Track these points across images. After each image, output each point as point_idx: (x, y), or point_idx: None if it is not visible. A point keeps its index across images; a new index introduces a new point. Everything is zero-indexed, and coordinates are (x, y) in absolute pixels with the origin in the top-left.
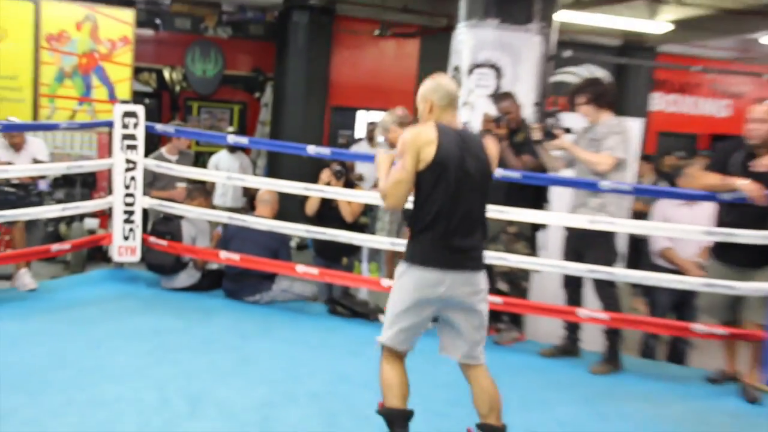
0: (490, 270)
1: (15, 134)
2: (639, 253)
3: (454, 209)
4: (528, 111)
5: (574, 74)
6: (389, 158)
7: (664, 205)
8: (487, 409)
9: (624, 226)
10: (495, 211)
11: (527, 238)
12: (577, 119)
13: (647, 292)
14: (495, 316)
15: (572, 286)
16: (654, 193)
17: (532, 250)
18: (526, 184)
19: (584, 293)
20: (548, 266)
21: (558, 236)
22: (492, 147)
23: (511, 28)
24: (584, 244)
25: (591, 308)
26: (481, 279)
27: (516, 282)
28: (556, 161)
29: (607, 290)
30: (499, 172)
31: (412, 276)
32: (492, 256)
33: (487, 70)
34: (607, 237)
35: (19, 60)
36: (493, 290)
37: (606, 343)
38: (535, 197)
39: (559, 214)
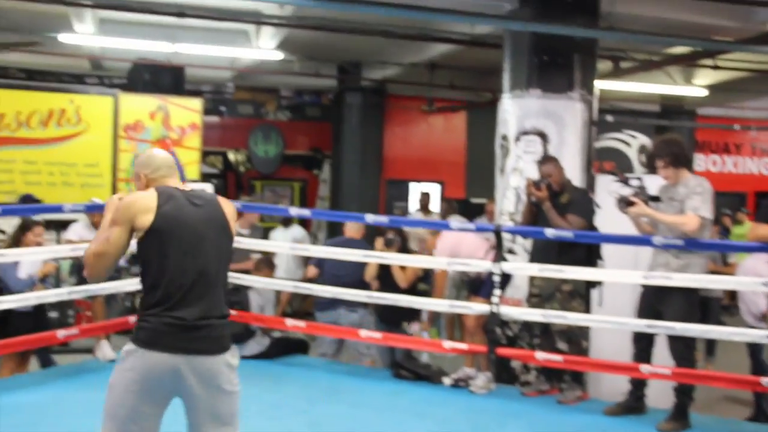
0: (548, 329)
1: (96, 214)
2: (706, 310)
3: (185, 276)
4: (575, 174)
5: (618, 139)
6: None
7: (754, 262)
8: None
9: (712, 282)
10: (550, 270)
11: (582, 295)
12: (655, 181)
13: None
14: (557, 375)
15: (643, 342)
16: (721, 248)
17: (587, 307)
18: (576, 242)
19: (654, 350)
20: (608, 323)
21: (614, 293)
22: (228, 206)
23: (553, 97)
24: (662, 301)
25: (659, 364)
26: (223, 366)
27: (575, 340)
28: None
29: (681, 348)
30: (550, 232)
31: (135, 362)
32: (549, 315)
33: (534, 137)
34: (688, 295)
35: (99, 149)
36: (553, 349)
37: (675, 400)
38: (588, 255)
39: (616, 271)
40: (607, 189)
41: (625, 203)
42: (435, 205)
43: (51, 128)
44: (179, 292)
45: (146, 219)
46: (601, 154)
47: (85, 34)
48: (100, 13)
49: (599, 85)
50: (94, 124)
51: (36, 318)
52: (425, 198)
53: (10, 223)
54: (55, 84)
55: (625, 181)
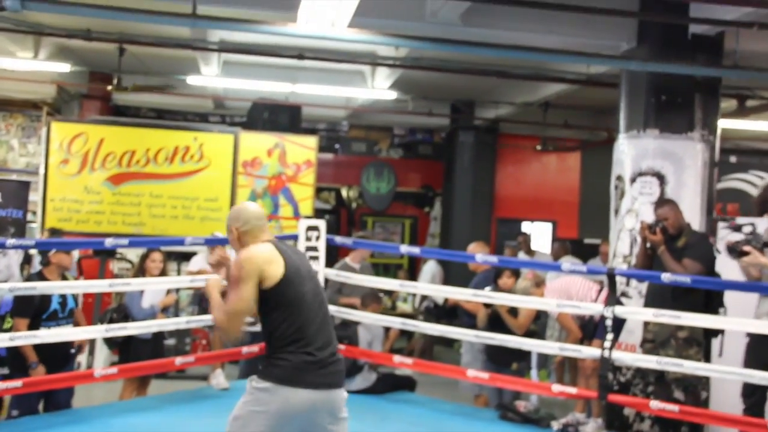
0: (663, 376)
1: (218, 247)
2: None
3: (315, 316)
4: (695, 217)
5: (743, 180)
6: (216, 285)
7: None
8: None
9: None
10: (665, 316)
11: (699, 343)
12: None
13: None
14: (673, 425)
15: (755, 396)
16: None
17: (705, 356)
18: (693, 288)
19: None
20: (728, 374)
21: (736, 342)
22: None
23: (672, 137)
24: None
25: None
26: (343, 398)
27: (692, 390)
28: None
29: None
30: (666, 277)
31: (268, 398)
32: (664, 362)
33: (650, 179)
34: None
35: (219, 184)
36: (669, 398)
37: None
38: (707, 302)
39: (736, 319)
40: (719, 235)
41: (736, 252)
42: (540, 245)
43: (176, 164)
44: (311, 331)
45: (276, 269)
46: (725, 196)
47: (210, 76)
48: (225, 57)
49: (722, 124)
50: (215, 161)
51: (155, 345)
52: (524, 238)
53: (138, 254)
54: (181, 123)
55: (736, 228)
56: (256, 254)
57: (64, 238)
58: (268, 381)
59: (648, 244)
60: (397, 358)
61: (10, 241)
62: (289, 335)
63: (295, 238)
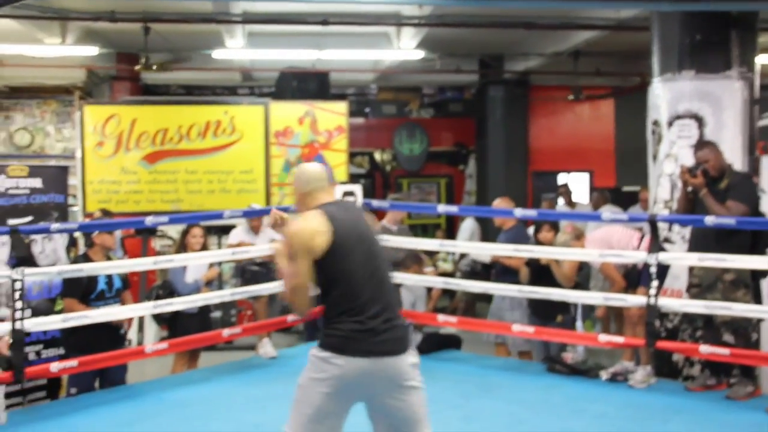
0: (712, 320)
1: (255, 218)
2: None
3: (367, 284)
4: (736, 158)
5: None
6: (282, 252)
7: None
8: None
9: None
10: (710, 260)
11: (747, 285)
12: None
13: None
14: (725, 369)
15: None
16: None
17: (755, 297)
18: (738, 229)
19: None
20: None
21: None
22: (367, 216)
23: (708, 77)
24: None
25: None
26: (408, 366)
27: (742, 332)
28: None
29: None
30: (710, 220)
31: (326, 366)
32: (712, 305)
33: (688, 121)
34: None
35: (253, 156)
36: (718, 341)
37: None
38: (753, 242)
39: None
40: (762, 174)
41: None
42: (581, 195)
43: (209, 139)
44: (363, 299)
45: (321, 241)
46: (763, 133)
47: (236, 49)
48: (250, 28)
49: (761, 60)
50: (247, 133)
51: (201, 318)
52: (564, 188)
53: (178, 230)
54: (210, 97)
55: None
56: (302, 229)
57: (113, 218)
58: (325, 350)
59: (689, 188)
60: (441, 317)
61: (55, 226)
62: (340, 304)
63: None
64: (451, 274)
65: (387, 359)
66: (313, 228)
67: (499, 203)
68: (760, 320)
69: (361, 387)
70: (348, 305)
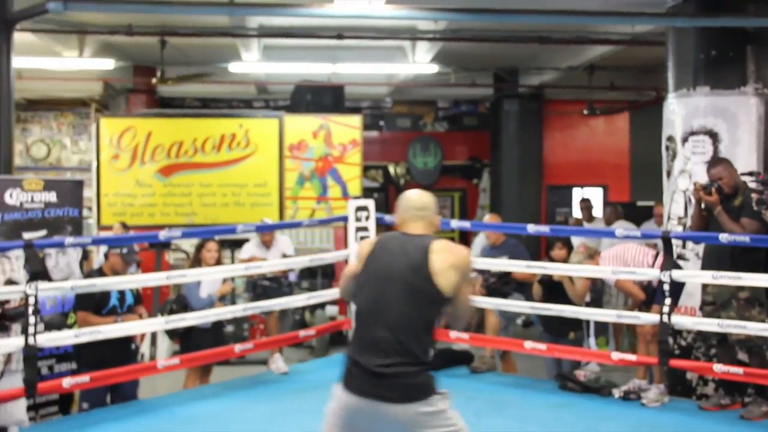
0: (726, 339)
1: (267, 233)
2: None
3: (371, 322)
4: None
5: None
6: None
7: None
8: None
9: None
10: (725, 277)
11: (762, 303)
12: None
13: None
14: (739, 388)
15: None
16: None
17: None
18: (753, 247)
19: None
20: None
21: None
22: (444, 253)
23: (724, 93)
24: None
25: None
26: (416, 415)
27: (757, 351)
28: None
29: None
30: (724, 237)
31: (335, 396)
32: (727, 324)
33: (703, 137)
34: None
35: (267, 169)
36: (733, 360)
37: None
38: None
39: None
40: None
41: (765, 206)
42: (598, 210)
43: (223, 152)
44: (366, 338)
45: (360, 264)
46: None
47: (251, 62)
48: (265, 41)
49: None
50: (262, 146)
51: (215, 333)
52: (587, 205)
53: (192, 244)
54: (226, 110)
55: (765, 183)
56: (361, 246)
57: (131, 232)
58: (339, 380)
59: (703, 205)
60: (453, 333)
61: (69, 240)
62: (353, 335)
63: (345, 219)
64: None
65: (382, 404)
66: (361, 251)
67: (489, 219)
68: None
69: (360, 425)
70: (355, 338)
